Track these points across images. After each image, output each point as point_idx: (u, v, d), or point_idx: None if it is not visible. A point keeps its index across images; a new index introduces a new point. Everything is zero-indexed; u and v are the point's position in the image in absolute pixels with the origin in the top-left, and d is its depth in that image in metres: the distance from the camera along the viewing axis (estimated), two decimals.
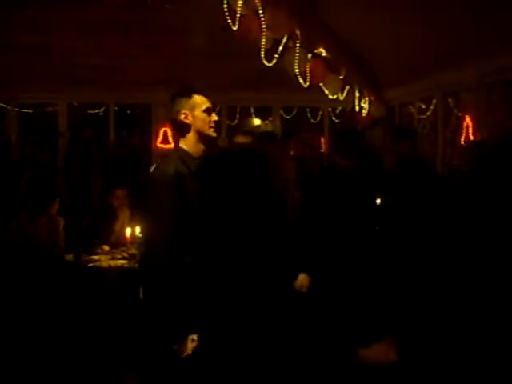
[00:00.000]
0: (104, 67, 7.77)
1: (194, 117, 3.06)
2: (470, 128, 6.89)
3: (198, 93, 3.11)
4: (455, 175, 7.66)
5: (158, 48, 6.57)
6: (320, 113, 10.67)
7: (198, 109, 3.08)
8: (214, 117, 3.12)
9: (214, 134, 3.13)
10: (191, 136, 3.07)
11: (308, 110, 10.69)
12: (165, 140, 9.94)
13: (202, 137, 3.08)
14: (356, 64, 8.03)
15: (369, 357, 2.29)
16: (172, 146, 10.03)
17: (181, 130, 3.06)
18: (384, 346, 2.27)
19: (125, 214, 5.64)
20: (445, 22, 5.88)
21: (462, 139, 7.02)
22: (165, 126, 9.88)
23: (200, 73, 8.04)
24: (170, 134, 9.94)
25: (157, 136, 9.93)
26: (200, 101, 3.10)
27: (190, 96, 3.08)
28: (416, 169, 4.47)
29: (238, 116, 10.75)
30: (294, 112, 10.66)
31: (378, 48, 7.15)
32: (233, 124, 10.69)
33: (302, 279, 4.00)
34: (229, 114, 10.67)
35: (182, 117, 3.05)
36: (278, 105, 10.57)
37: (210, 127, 3.10)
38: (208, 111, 3.09)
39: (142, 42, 6.63)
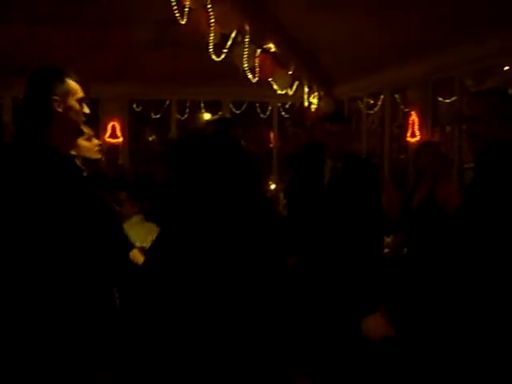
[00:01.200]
0: (52, 60, 7.58)
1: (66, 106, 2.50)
2: (416, 124, 7.03)
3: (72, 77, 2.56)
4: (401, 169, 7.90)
5: (105, 41, 6.47)
6: (269, 107, 10.69)
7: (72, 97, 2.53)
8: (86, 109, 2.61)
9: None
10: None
11: (258, 104, 10.69)
12: (113, 134, 9.81)
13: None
14: (305, 60, 8.08)
15: (366, 329, 2.38)
16: (121, 140, 9.92)
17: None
18: (380, 319, 2.34)
19: None
20: (392, 20, 5.97)
21: (408, 134, 7.16)
22: (113, 121, 9.76)
23: (149, 67, 7.97)
24: (118, 128, 9.82)
25: (105, 131, 9.79)
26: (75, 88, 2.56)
27: (62, 80, 2.52)
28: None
29: (187, 110, 10.68)
30: (243, 106, 10.65)
31: (327, 44, 7.21)
32: (182, 118, 10.63)
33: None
34: (179, 108, 10.59)
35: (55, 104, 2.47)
36: (228, 99, 10.54)
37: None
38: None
39: (89, 34, 6.52)
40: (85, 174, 2.82)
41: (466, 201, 2.70)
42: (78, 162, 2.86)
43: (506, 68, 5.81)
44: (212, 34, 5.47)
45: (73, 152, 2.82)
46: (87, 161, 3.19)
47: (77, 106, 2.53)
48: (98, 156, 3.22)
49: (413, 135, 7.06)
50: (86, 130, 3.02)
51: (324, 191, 4.28)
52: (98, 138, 3.43)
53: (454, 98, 6.74)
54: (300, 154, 6.01)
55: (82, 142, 3.09)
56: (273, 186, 7.94)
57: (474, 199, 2.59)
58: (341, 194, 4.21)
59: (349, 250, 4.17)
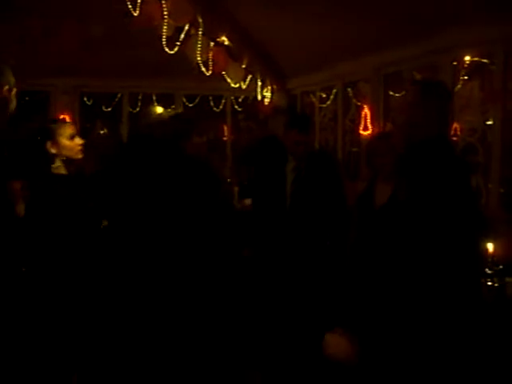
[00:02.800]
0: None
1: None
2: (368, 117, 7.12)
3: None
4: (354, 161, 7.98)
5: (56, 34, 6.33)
6: (223, 101, 10.66)
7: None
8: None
9: None
10: None
11: (211, 98, 10.64)
12: None
13: None
14: (258, 53, 8.08)
15: (327, 346, 2.30)
16: None
17: None
18: (340, 339, 2.29)
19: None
20: (345, 16, 6.03)
21: (361, 128, 7.25)
22: (64, 114, 9.56)
23: (100, 59, 7.84)
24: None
25: None
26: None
27: None
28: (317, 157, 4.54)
29: (139, 104, 10.55)
30: (196, 100, 10.59)
31: (281, 38, 7.22)
32: (134, 112, 10.48)
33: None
34: (130, 101, 10.45)
35: None
36: (181, 92, 10.45)
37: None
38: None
39: (38, 28, 6.37)
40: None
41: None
42: (59, 162, 2.85)
43: (455, 63, 5.93)
44: (165, 27, 5.42)
45: (53, 151, 2.80)
46: (69, 161, 3.13)
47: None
48: (80, 156, 3.19)
49: (365, 128, 7.15)
50: (69, 129, 2.98)
51: (285, 190, 4.30)
52: None
53: (403, 92, 6.84)
54: (256, 148, 6.01)
55: (64, 140, 3.04)
56: (228, 180, 7.93)
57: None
58: (304, 194, 4.23)
59: (313, 251, 4.19)
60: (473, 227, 2.46)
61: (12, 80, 2.58)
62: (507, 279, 3.13)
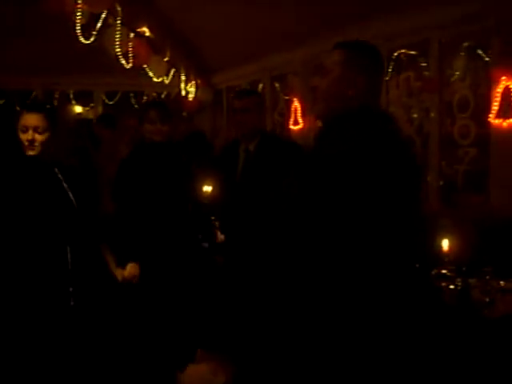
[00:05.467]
0: None
1: None
2: (299, 111, 6.91)
3: None
4: None
5: None
6: (145, 97, 10.19)
7: None
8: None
9: None
10: None
11: (132, 94, 10.16)
12: None
13: None
14: (181, 46, 7.74)
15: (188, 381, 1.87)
16: None
17: None
18: (205, 365, 1.88)
19: None
20: (271, 7, 5.81)
21: (291, 122, 7.03)
22: None
23: (10, 54, 7.25)
24: None
25: None
26: None
27: None
28: None
29: (56, 102, 9.93)
30: (117, 97, 10.08)
31: (205, 31, 6.96)
32: None
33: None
34: (46, 99, 9.82)
35: None
36: (100, 89, 9.92)
37: None
38: None
39: None
40: None
41: None
42: None
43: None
44: (79, 13, 4.97)
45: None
46: None
47: None
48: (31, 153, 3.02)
49: (295, 123, 6.94)
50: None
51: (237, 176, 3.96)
52: None
53: None
54: (183, 145, 5.68)
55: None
56: None
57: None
58: (253, 178, 3.85)
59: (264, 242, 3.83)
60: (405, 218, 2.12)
61: None
62: (471, 281, 2.89)
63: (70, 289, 2.89)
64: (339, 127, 2.17)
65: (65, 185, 3.09)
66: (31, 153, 3.01)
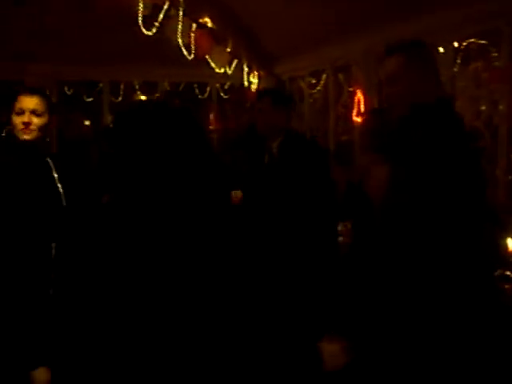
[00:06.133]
0: None
1: None
2: (362, 102, 6.76)
3: None
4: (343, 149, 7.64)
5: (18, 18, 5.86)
6: (208, 88, 10.23)
7: None
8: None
9: None
10: None
11: (196, 85, 10.21)
12: None
13: None
14: (244, 36, 7.69)
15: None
16: None
17: None
18: (331, 346, 2.12)
19: None
20: None
21: (354, 113, 6.89)
22: None
23: (76, 45, 7.39)
24: None
25: None
26: None
27: None
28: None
29: (121, 93, 10.10)
30: (180, 87, 10.16)
31: (267, 21, 6.87)
32: (116, 101, 10.03)
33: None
34: (112, 90, 9.99)
35: None
36: (164, 80, 10.01)
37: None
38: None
39: None
40: None
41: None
42: None
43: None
44: (141, 4, 4.99)
45: None
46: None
47: None
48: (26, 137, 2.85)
49: (359, 114, 6.79)
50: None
51: (262, 173, 3.95)
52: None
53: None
54: (242, 137, 5.66)
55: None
56: None
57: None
58: (276, 175, 3.84)
59: (289, 240, 3.77)
60: (480, 215, 2.14)
61: None
62: None
63: (52, 276, 2.78)
64: (423, 121, 2.26)
65: (55, 176, 2.91)
66: (26, 137, 2.82)
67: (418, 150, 2.19)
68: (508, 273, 2.84)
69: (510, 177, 4.95)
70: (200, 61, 7.01)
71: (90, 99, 10.26)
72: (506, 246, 2.93)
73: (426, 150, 2.17)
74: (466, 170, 2.17)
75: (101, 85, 9.92)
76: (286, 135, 3.94)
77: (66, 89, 9.84)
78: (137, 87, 10.25)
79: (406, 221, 2.17)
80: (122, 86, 10.11)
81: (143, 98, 10.30)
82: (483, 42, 5.45)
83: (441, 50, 5.69)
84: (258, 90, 7.89)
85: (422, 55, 2.40)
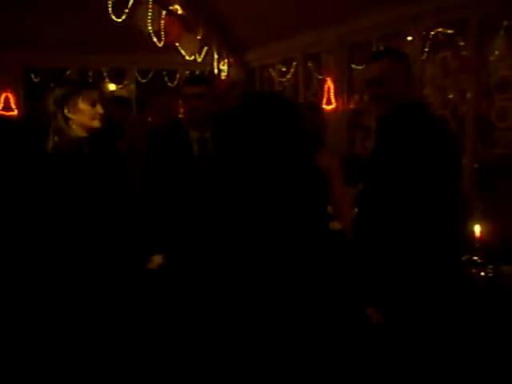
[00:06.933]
0: None
1: None
2: (332, 90, 6.80)
3: None
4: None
5: None
6: (177, 76, 10.16)
7: None
8: None
9: None
10: None
11: (165, 73, 10.14)
12: (7, 107, 9.02)
13: None
14: (214, 24, 7.64)
15: None
16: (16, 113, 9.13)
17: None
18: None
19: None
20: None
21: (324, 102, 6.93)
22: (6, 92, 8.96)
23: (44, 32, 7.27)
24: (12, 100, 9.03)
25: None
26: None
27: None
28: None
29: (90, 80, 9.97)
30: (150, 75, 10.07)
31: (238, 8, 6.83)
32: None
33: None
34: (80, 77, 9.86)
35: None
36: (133, 67, 9.92)
37: None
38: None
39: None
40: None
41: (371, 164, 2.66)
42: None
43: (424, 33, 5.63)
44: None
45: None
46: None
47: None
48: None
49: (328, 103, 6.83)
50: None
51: (194, 166, 3.70)
52: None
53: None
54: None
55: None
56: None
57: (377, 162, 2.53)
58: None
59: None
60: (451, 204, 2.29)
61: None
62: (504, 268, 2.79)
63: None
64: (403, 118, 2.60)
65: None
66: (97, 124, 3.06)
67: (400, 142, 2.48)
68: (475, 258, 2.93)
69: (475, 165, 5.03)
70: (169, 48, 6.95)
71: None
72: (473, 232, 3.01)
73: (407, 142, 2.46)
74: (441, 161, 2.43)
75: (68, 72, 9.78)
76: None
77: (33, 76, 9.69)
78: (105, 74, 10.14)
79: (386, 206, 2.44)
80: (90, 74, 9.99)
81: (112, 85, 10.20)
82: (451, 31, 5.52)
83: (409, 38, 5.75)
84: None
85: (402, 61, 2.76)
